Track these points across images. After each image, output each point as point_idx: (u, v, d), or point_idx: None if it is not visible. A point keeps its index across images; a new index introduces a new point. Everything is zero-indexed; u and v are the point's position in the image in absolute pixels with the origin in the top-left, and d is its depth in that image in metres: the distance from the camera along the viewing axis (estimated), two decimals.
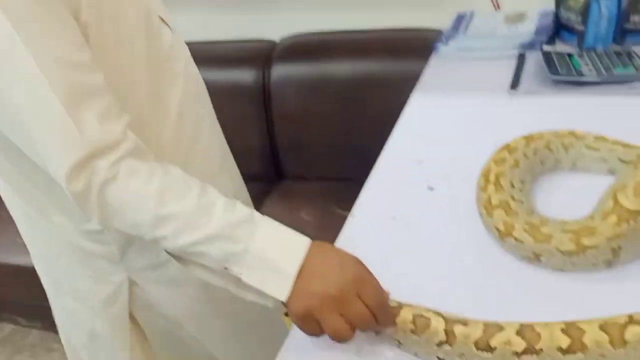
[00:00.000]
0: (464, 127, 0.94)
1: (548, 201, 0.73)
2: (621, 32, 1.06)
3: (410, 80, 1.29)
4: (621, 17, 1.04)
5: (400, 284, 0.64)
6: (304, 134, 1.46)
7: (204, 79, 0.83)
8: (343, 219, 1.31)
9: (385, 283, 0.64)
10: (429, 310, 0.57)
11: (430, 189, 0.80)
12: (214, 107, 0.86)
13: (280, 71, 1.44)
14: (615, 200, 0.61)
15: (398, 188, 0.84)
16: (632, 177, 0.62)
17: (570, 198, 0.73)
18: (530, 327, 0.51)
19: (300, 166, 1.50)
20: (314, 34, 1.48)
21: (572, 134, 0.77)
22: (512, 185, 0.71)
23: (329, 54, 1.44)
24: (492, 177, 0.72)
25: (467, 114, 0.97)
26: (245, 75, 1.46)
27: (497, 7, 1.27)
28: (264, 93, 1.45)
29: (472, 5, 1.30)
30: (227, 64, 1.49)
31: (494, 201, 0.68)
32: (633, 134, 0.81)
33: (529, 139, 0.77)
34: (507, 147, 0.77)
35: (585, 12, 1.04)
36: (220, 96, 1.46)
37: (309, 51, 1.46)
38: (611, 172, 0.74)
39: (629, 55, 0.98)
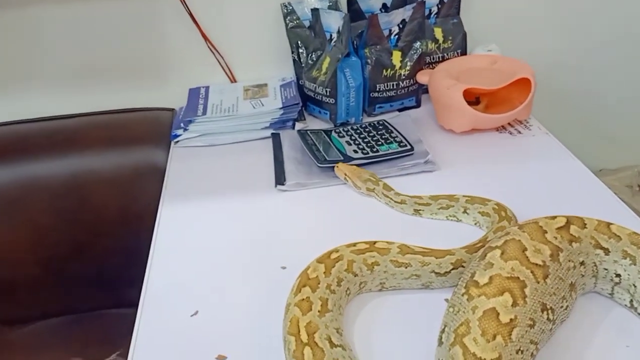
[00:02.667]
0: (232, 237, 0.74)
1: (368, 339, 0.58)
2: (370, 102, 1.00)
3: (147, 174, 1.06)
4: (367, 86, 0.99)
5: None
6: (10, 264, 1.08)
7: None
8: None
9: None
10: None
11: None
12: None
13: None
14: (465, 349, 0.48)
15: (168, 339, 0.60)
16: (471, 309, 0.51)
17: (391, 328, 0.59)
18: None
19: (13, 307, 1.11)
20: (2, 125, 1.12)
21: (373, 246, 0.64)
22: (331, 342, 0.54)
23: (28, 150, 1.09)
24: (303, 335, 0.54)
25: (233, 220, 0.78)
26: None
27: (233, 79, 1.12)
28: None
29: (205, 78, 1.12)
30: None
31: None
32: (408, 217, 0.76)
33: (326, 261, 0.62)
34: (306, 279, 0.60)
35: (333, 85, 0.96)
36: None
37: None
38: (426, 286, 0.64)
39: (386, 129, 0.92)
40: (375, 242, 0.65)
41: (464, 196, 0.75)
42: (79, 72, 1.10)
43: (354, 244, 0.64)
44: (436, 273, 0.62)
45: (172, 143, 1.00)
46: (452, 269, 0.62)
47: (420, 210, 0.76)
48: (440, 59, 1.06)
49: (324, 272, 0.61)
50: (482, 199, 0.74)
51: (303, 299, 0.58)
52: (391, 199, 0.78)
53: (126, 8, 1.05)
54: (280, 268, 0.68)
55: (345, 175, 0.82)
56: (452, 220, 0.75)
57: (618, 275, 0.58)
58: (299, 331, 0.55)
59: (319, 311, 0.57)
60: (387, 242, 0.65)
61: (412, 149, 0.86)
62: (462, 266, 0.62)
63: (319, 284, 0.60)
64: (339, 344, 0.54)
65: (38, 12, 1.04)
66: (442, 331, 0.52)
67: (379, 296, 0.64)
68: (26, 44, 1.07)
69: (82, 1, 1.04)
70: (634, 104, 1.28)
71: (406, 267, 0.62)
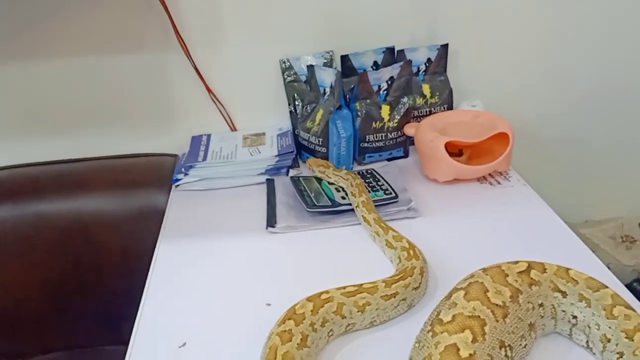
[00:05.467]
0: (223, 275, 0.79)
1: None
2: (360, 152, 1.07)
3: (149, 217, 1.12)
4: (358, 136, 1.06)
5: None
6: (15, 300, 1.13)
7: None
8: None
9: None
10: None
11: None
12: None
13: None
14: None
15: None
16: (434, 345, 0.55)
17: None
18: None
19: (15, 342, 1.15)
20: (11, 168, 1.19)
21: (361, 287, 0.69)
22: None
23: (38, 192, 1.16)
24: None
25: (224, 259, 0.83)
26: None
27: (233, 128, 1.20)
28: None
29: (207, 126, 1.20)
30: None
31: None
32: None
33: (316, 300, 0.67)
34: (293, 313, 0.65)
35: (324, 135, 1.02)
36: None
37: (10, 191, 1.16)
38: (409, 306, 0.70)
39: (374, 177, 0.98)
40: (362, 284, 0.69)
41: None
42: (91, 119, 1.18)
43: (344, 287, 0.69)
44: (414, 288, 0.70)
45: (173, 186, 1.06)
46: (421, 278, 0.72)
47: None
48: (428, 113, 1.13)
49: (311, 310, 0.65)
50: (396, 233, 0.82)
51: (285, 330, 0.62)
52: (341, 177, 0.96)
53: (137, 61, 1.13)
54: (266, 305, 0.73)
55: (310, 164, 1.02)
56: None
57: (575, 317, 0.62)
58: (276, 357, 0.59)
59: (297, 344, 0.61)
60: (371, 282, 0.69)
61: (396, 196, 0.92)
62: (424, 271, 0.73)
63: (303, 319, 0.64)
64: None
65: (57, 62, 1.12)
66: None
67: (350, 335, 0.68)
68: (44, 93, 1.15)
69: (98, 54, 1.12)
70: (618, 155, 1.33)
71: (395, 297, 0.68)
